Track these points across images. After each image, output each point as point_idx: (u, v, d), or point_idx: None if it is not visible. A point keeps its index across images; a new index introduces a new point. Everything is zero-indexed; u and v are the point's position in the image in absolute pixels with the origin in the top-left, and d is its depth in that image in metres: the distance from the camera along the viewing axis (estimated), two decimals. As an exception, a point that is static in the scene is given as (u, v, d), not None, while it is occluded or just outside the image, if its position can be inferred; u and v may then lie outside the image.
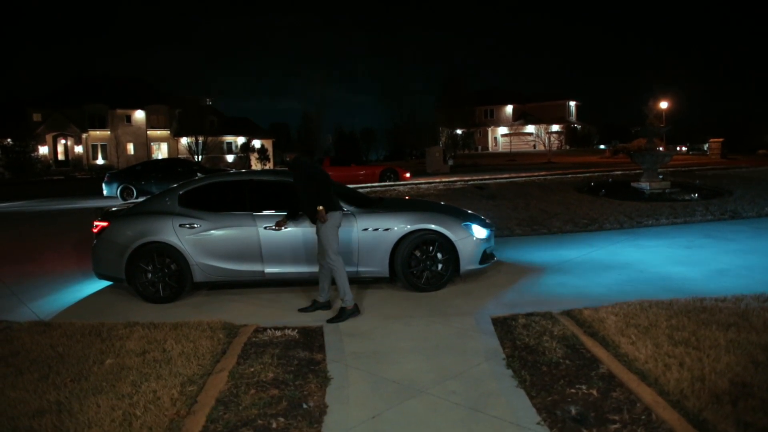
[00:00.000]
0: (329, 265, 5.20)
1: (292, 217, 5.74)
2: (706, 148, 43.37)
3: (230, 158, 53.13)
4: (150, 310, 5.62)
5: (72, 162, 48.08)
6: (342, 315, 5.09)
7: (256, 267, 5.92)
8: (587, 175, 18.46)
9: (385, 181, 21.22)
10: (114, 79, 52.67)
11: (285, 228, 5.77)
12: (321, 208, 5.04)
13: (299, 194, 5.35)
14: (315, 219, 5.16)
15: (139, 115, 51.48)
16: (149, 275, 5.91)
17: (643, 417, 3.04)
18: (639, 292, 5.39)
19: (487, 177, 20.52)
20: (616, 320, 4.45)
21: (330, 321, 5.03)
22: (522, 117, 64.97)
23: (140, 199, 6.71)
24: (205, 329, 4.73)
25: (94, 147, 50.42)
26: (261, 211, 5.96)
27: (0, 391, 3.69)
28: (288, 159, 5.45)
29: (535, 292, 5.74)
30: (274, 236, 5.86)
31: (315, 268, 5.83)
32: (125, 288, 6.25)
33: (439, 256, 5.89)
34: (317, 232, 5.24)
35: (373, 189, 15.27)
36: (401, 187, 15.57)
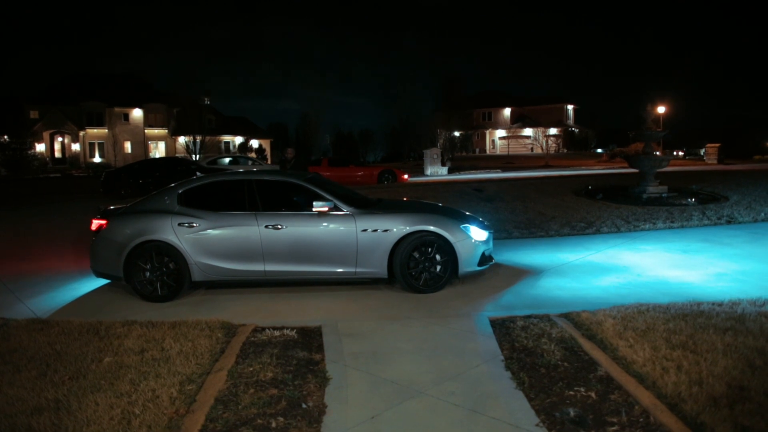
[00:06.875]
0: None
1: None
2: (702, 153, 43.52)
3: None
4: (148, 309, 5.62)
5: (69, 160, 47.91)
6: None
7: (256, 266, 5.91)
8: (584, 178, 18.50)
9: (383, 183, 21.23)
10: (112, 77, 52.56)
11: None
12: None
13: None
14: None
15: (137, 113, 51.36)
16: (147, 274, 5.90)
17: (641, 419, 3.06)
18: (636, 296, 5.41)
19: (484, 179, 20.56)
20: (614, 323, 4.46)
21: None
22: (520, 120, 65.07)
23: (139, 198, 6.69)
24: (204, 328, 4.73)
25: (92, 145, 50.28)
26: (261, 210, 5.96)
27: (-2, 388, 3.68)
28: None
29: (533, 294, 5.76)
30: (276, 235, 5.86)
31: (317, 267, 5.84)
32: (123, 286, 6.24)
33: (438, 257, 5.90)
34: None
35: (371, 190, 15.27)
36: (399, 189, 15.58)
